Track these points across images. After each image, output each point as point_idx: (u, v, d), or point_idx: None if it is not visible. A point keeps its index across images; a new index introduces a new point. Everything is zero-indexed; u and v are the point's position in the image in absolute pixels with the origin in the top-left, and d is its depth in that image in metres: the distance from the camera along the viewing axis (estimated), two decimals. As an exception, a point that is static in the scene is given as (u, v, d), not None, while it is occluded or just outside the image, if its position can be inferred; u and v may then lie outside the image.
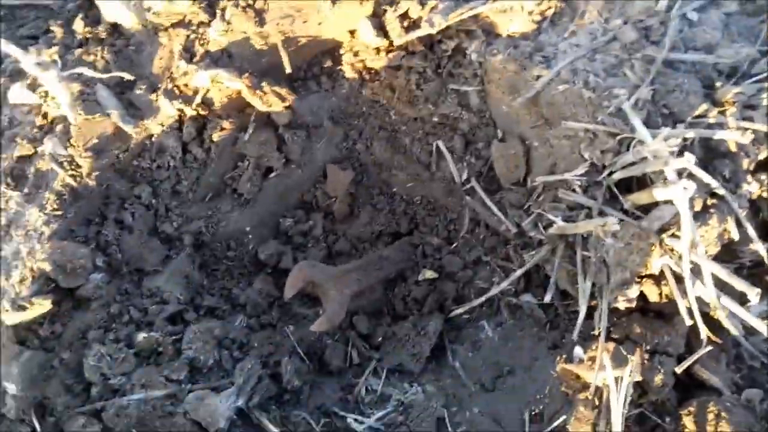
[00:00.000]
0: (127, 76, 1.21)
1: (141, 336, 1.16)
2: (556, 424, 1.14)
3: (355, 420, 1.20)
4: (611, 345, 1.16)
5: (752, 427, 1.08)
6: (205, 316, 1.26)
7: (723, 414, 1.10)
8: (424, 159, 1.42)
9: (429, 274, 1.38)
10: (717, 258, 1.17)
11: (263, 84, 1.24)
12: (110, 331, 1.18)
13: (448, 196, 1.43)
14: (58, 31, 1.28)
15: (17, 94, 1.24)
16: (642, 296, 1.22)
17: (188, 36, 1.24)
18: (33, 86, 1.23)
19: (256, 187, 1.32)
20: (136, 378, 1.12)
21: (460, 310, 1.34)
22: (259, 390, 1.17)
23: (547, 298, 1.24)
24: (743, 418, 1.09)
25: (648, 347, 1.17)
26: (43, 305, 1.12)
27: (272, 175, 1.34)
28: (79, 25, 1.27)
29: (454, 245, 1.41)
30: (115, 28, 1.27)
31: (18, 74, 1.27)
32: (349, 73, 1.35)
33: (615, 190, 1.22)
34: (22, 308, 1.11)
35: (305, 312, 1.31)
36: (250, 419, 1.16)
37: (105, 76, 1.19)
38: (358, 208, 1.43)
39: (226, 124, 1.26)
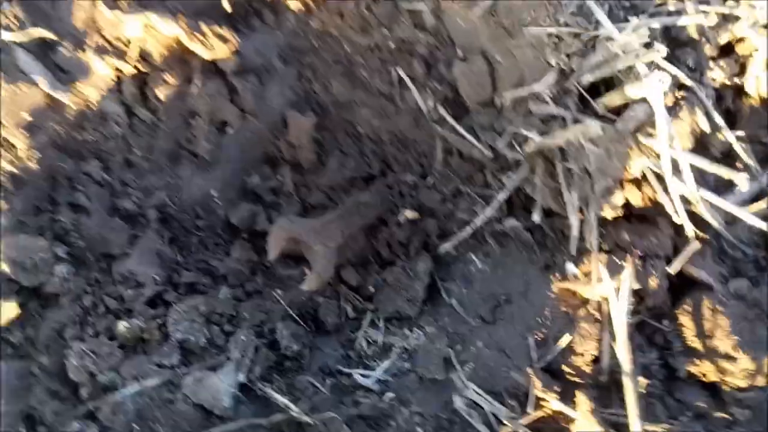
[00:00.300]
0: (48, 35, 1.06)
1: (122, 325, 1.09)
2: (561, 344, 1.15)
3: (361, 375, 1.18)
4: (603, 256, 1.17)
5: (746, 315, 1.12)
6: (186, 293, 1.18)
7: (718, 307, 1.13)
8: (386, 90, 1.34)
9: (410, 214, 1.33)
10: (691, 152, 1.19)
11: (201, 26, 1.12)
12: (87, 325, 1.09)
13: (416, 129, 1.37)
14: (-47, -7, 1.10)
15: None
16: (625, 202, 1.23)
17: (109, -20, 1.09)
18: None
19: (215, 146, 1.22)
20: (125, 371, 1.05)
21: (447, 245, 1.31)
22: (259, 361, 1.13)
23: (536, 218, 1.22)
24: (736, 308, 1.13)
25: (638, 253, 1.19)
26: (10, 309, 1.02)
27: (229, 129, 1.24)
28: (-23, -17, 1.09)
29: (430, 180, 1.37)
30: (22, -19, 1.10)
31: None
32: (294, 3, 1.24)
33: (586, 95, 1.21)
34: (-13, 316, 1.01)
35: (290, 273, 1.25)
36: (254, 393, 1.12)
37: (25, 38, 1.03)
38: (326, 155, 1.35)
39: (169, 78, 1.14)
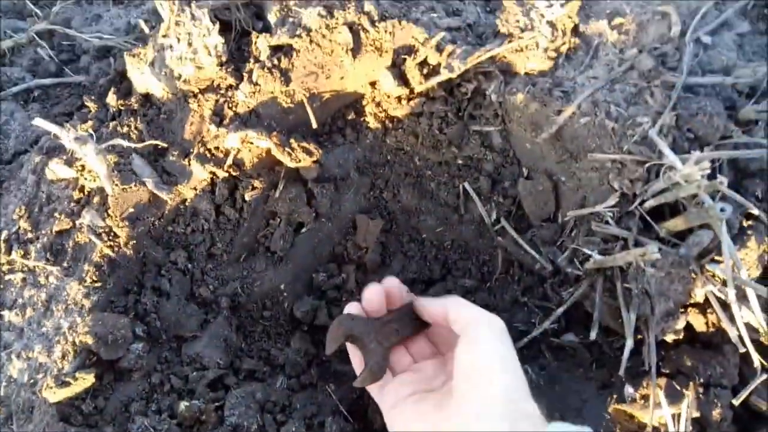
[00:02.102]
0: (161, 144, 1.24)
1: (183, 405, 1.14)
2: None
3: (405, 476, 1.16)
4: (663, 381, 1.14)
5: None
6: (245, 379, 1.24)
7: (787, 444, 1.05)
8: (452, 202, 1.42)
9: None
10: (759, 281, 1.16)
11: (291, 141, 1.26)
12: (152, 402, 1.16)
13: (478, 238, 1.43)
14: (91, 106, 1.32)
15: (54, 170, 1.27)
16: (689, 327, 1.19)
17: (217, 100, 1.27)
18: (69, 161, 1.27)
19: (288, 244, 1.32)
20: (180, 449, 1.11)
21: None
22: (306, 455, 1.15)
23: (593, 335, 1.21)
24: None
25: (701, 380, 1.14)
26: (86, 379, 1.11)
27: (303, 230, 1.34)
28: (111, 99, 1.31)
29: (489, 286, 1.40)
30: (146, 99, 1.31)
31: (54, 151, 1.31)
32: (373, 123, 1.38)
33: (648, 218, 1.22)
34: (66, 384, 1.11)
35: (344, 369, 1.28)
36: (298, 483, 1.13)
37: (140, 145, 1.21)
38: (389, 258, 1.42)
39: (257, 183, 1.28)
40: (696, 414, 1.09)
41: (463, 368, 0.91)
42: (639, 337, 1.19)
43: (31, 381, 1.14)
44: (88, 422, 1.11)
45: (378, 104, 1.37)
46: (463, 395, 0.89)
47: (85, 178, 1.27)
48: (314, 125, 1.31)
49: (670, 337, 1.15)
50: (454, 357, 0.93)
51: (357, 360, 1.09)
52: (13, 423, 1.11)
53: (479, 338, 0.98)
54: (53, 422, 1.09)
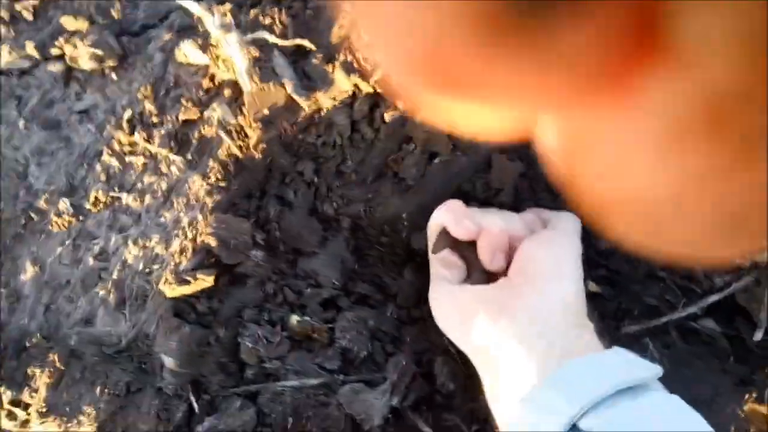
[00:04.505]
0: (308, 45, 1.13)
1: (295, 319, 1.11)
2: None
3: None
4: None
5: None
6: (357, 303, 1.19)
7: None
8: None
9: (592, 287, 1.25)
10: None
11: (443, 62, 1.15)
12: (265, 311, 1.13)
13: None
14: (231, -12, 1.23)
15: (186, 52, 1.19)
16: None
17: (375, 4, 1.15)
18: (203, 46, 1.18)
19: (420, 173, 1.23)
20: (289, 363, 1.07)
21: (633, 327, 1.20)
22: (413, 389, 1.10)
23: (757, 337, 1.09)
24: None
25: None
26: (206, 281, 1.08)
27: (436, 160, 1.24)
28: (255, -17, 1.20)
29: (625, 257, 1.28)
30: (294, -12, 1.20)
31: (184, 30, 1.22)
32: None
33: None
34: (186, 282, 1.07)
35: (457, 309, 1.23)
36: (403, 420, 1.08)
37: (286, 43, 1.11)
38: (520, 203, 1.32)
39: (399, 104, 1.18)
40: None
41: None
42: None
43: (147, 270, 1.11)
44: (202, 322, 1.09)
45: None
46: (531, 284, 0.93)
47: (218, 68, 1.18)
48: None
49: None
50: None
51: (444, 268, 1.08)
52: (125, 308, 1.09)
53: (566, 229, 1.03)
54: (168, 316, 1.06)
